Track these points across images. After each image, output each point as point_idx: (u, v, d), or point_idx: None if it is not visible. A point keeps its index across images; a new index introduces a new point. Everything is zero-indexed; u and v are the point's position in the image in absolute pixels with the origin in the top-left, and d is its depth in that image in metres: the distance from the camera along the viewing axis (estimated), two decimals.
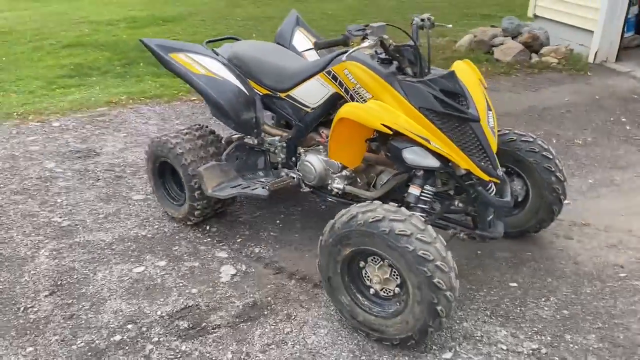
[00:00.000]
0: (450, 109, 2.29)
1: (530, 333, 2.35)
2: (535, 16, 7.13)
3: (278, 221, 3.24)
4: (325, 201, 3.01)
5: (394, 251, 2.05)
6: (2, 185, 3.69)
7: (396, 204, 2.19)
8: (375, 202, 2.20)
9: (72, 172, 3.87)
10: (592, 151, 4.10)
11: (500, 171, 2.39)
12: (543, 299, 2.55)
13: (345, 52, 2.57)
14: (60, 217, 3.30)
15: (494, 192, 2.49)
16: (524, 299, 2.56)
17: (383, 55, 2.46)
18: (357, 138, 2.47)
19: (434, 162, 2.31)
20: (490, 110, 2.57)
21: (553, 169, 2.73)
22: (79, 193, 3.59)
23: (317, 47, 2.31)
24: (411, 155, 2.30)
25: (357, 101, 2.46)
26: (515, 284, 2.66)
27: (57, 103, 5.28)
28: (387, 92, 2.36)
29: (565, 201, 3.36)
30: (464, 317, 2.45)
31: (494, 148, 2.44)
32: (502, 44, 6.61)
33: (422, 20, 2.58)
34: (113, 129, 4.69)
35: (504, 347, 2.27)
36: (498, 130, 2.85)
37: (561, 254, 2.89)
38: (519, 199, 2.87)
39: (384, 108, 2.29)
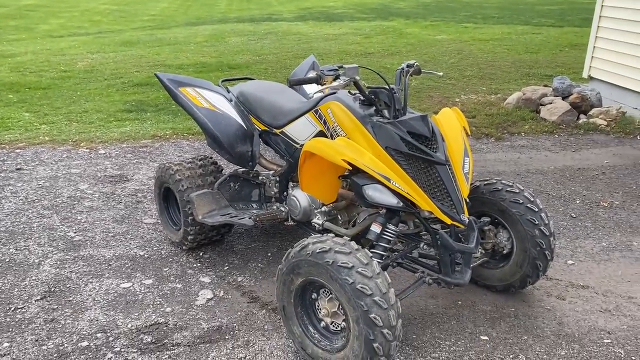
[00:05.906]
0: (415, 150, 2.32)
1: None
2: (590, 77, 6.94)
3: (270, 254, 3.31)
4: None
5: (335, 283, 2.07)
6: (36, 201, 4.05)
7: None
8: (329, 234, 2.24)
9: (100, 194, 4.18)
10: (615, 214, 3.88)
11: (465, 216, 2.36)
12: (511, 356, 2.43)
13: (334, 93, 2.71)
14: (75, 233, 3.56)
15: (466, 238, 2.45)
16: (491, 353, 2.45)
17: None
18: (328, 173, 2.53)
19: (394, 201, 2.33)
20: (467, 156, 2.57)
21: (537, 222, 2.64)
22: (99, 213, 3.86)
23: (290, 83, 2.43)
24: (372, 193, 2.33)
25: (333, 138, 2.55)
26: (486, 338, 2.56)
27: (109, 133, 5.74)
28: (358, 131, 2.43)
29: (569, 261, 3.24)
30: None
31: (465, 193, 2.44)
32: (550, 103, 6.48)
33: (408, 66, 2.68)
34: (150, 159, 5.02)
35: None
36: (485, 179, 2.83)
37: (547, 313, 2.75)
38: (505, 252, 2.78)
39: (348, 145, 2.36)
